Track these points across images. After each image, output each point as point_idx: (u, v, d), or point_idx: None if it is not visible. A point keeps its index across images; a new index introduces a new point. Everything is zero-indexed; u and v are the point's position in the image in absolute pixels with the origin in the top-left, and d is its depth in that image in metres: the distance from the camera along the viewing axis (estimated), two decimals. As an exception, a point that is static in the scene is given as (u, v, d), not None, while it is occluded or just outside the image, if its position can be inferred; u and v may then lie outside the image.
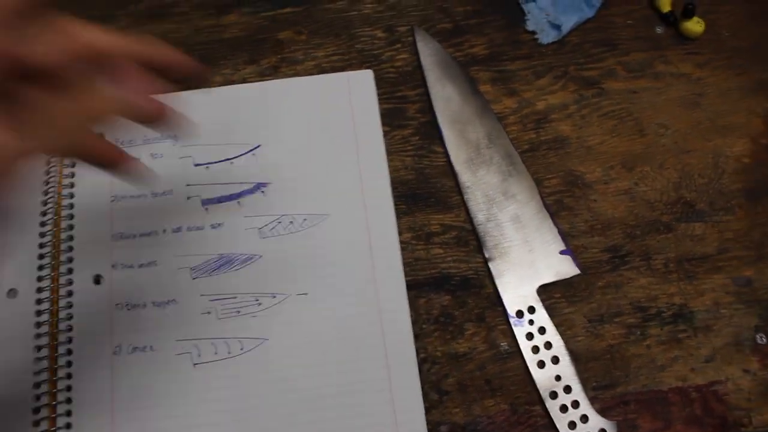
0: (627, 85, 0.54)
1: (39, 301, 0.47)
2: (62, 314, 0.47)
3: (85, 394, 0.45)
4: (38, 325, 0.46)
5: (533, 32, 0.56)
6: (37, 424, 0.44)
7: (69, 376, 0.45)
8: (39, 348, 0.46)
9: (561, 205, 0.50)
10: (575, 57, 0.56)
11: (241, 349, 0.46)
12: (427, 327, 0.47)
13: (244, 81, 0.55)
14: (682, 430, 0.44)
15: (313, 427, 0.44)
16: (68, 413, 0.44)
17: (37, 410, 0.44)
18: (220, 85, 0.54)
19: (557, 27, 0.56)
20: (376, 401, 0.44)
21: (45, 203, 0.50)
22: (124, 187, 0.49)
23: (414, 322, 0.46)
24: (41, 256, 0.48)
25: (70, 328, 0.46)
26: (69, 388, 0.45)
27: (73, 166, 0.51)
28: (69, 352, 0.46)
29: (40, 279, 0.48)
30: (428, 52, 0.55)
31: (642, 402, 0.45)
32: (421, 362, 0.45)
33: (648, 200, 0.50)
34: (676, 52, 0.56)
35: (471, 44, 0.56)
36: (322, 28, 0.57)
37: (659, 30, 0.56)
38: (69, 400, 0.45)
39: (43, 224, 0.49)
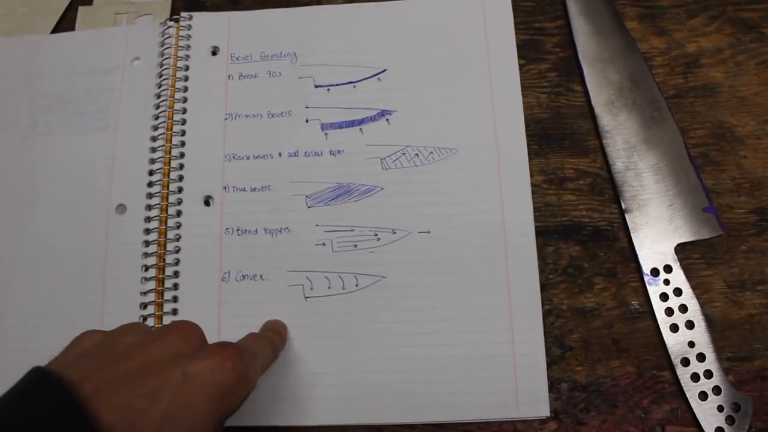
0: (792, 31, 0.49)
1: (148, 219, 0.45)
2: (170, 234, 0.45)
3: (191, 318, 0.43)
4: (146, 244, 0.45)
5: (689, -35, 0.51)
6: (143, 344, 0.43)
7: (175, 299, 0.44)
8: (146, 268, 0.44)
9: (706, 159, 0.46)
10: (734, -5, 0.50)
11: (356, 285, 0.43)
12: (554, 278, 0.44)
13: (370, -1, 0.51)
14: (830, 414, 0.40)
15: (427, 373, 0.42)
16: (174, 336, 0.43)
17: (142, 330, 0.43)
18: (344, 2, 0.51)
19: (717, -39, 0.50)
20: (496, 352, 0.42)
21: (156, 117, 0.47)
22: (239, 105, 0.47)
23: (540, 272, 0.43)
24: (151, 172, 0.46)
25: (177, 250, 0.45)
26: (175, 312, 0.44)
27: (185, 80, 0.48)
28: (176, 274, 0.44)
29: (149, 196, 0.46)
30: (571, -19, 0.50)
31: (782, 379, 0.41)
32: (545, 314, 0.43)
33: (805, 161, 0.46)
34: None
35: (619, -26, 0.51)
36: (457, -53, 0.53)
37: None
38: (175, 323, 0.43)
39: (153, 139, 0.47)
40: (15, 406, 0.28)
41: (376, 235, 0.44)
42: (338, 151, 0.46)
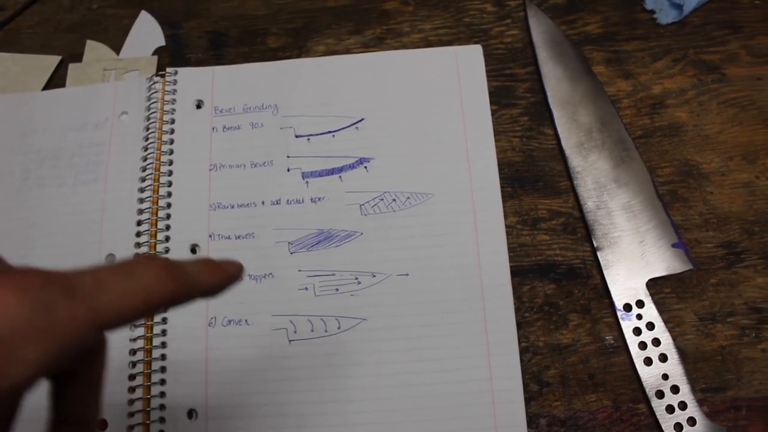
0: (751, 71, 0.51)
1: (136, 268, 0.47)
2: (159, 282, 0.46)
3: (179, 364, 0.45)
4: (135, 291, 0.46)
5: (652, 11, 0.53)
6: (132, 390, 0.44)
7: (164, 345, 0.45)
8: (135, 314, 0.46)
9: (674, 196, 0.48)
10: (696, 39, 0.52)
11: (339, 327, 0.45)
12: (530, 315, 0.45)
13: (347, 51, 0.53)
14: (800, 442, 0.42)
15: (409, 412, 0.43)
16: (162, 382, 0.44)
17: (132, 377, 0.45)
18: (322, 55, 0.53)
19: (678, 6, 0.53)
20: (476, 389, 0.43)
21: (144, 169, 0.49)
22: (223, 156, 0.49)
23: (516, 310, 0.45)
24: (139, 222, 0.48)
25: (166, 296, 0.46)
26: (163, 357, 0.45)
27: (171, 133, 0.50)
28: (164, 320, 0.46)
29: (137, 245, 0.47)
30: (540, 29, 0.52)
31: (754, 409, 0.42)
32: (522, 352, 0.44)
33: (769, 195, 0.48)
34: (806, 37, 0.52)
35: (585, 22, 0.53)
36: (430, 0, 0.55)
37: (788, 13, 0.53)
38: (163, 369, 0.45)
39: (141, 189, 0.49)
40: None
41: (357, 278, 0.46)
42: (319, 199, 0.48)
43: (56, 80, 0.54)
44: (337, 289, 0.45)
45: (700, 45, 0.52)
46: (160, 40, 0.55)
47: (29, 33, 0.57)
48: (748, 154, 0.49)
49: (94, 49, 0.55)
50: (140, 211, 0.48)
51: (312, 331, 0.45)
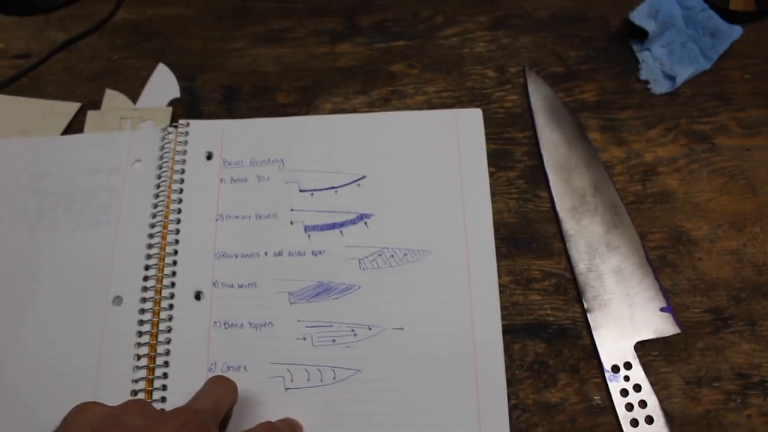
0: (740, 141, 0.53)
1: (142, 311, 0.48)
2: (162, 326, 0.48)
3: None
4: (139, 334, 0.48)
5: (646, 81, 0.56)
6: (132, 432, 0.45)
7: (164, 387, 0.46)
8: (138, 357, 0.47)
9: (664, 261, 0.49)
10: (688, 109, 0.55)
11: (334, 378, 0.46)
12: (520, 373, 0.46)
13: (354, 110, 0.56)
14: None
15: (399, 464, 0.44)
16: (161, 424, 0.45)
17: (132, 419, 0.46)
18: (330, 113, 0.56)
19: (671, 78, 0.55)
20: (465, 444, 0.44)
21: (154, 216, 0.51)
22: (229, 207, 0.51)
23: (507, 368, 0.46)
24: (147, 267, 0.50)
25: (168, 341, 0.48)
26: (164, 399, 0.46)
27: (182, 182, 0.52)
28: (166, 364, 0.47)
29: (144, 289, 0.49)
30: (538, 95, 0.55)
31: (738, 474, 0.43)
32: (511, 409, 0.45)
33: (756, 263, 0.49)
34: (795, 110, 0.54)
35: (582, 90, 0.56)
36: (434, 64, 0.58)
37: (778, 86, 0.55)
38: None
39: (150, 236, 0.51)
40: None
41: (353, 330, 0.47)
42: (320, 252, 0.50)
43: (75, 126, 0.57)
44: (334, 340, 0.47)
45: (692, 115, 0.54)
46: (175, 92, 0.58)
47: (52, 80, 0.60)
48: (736, 222, 0.50)
49: (112, 98, 0.58)
50: (148, 257, 0.50)
51: (308, 380, 0.46)
